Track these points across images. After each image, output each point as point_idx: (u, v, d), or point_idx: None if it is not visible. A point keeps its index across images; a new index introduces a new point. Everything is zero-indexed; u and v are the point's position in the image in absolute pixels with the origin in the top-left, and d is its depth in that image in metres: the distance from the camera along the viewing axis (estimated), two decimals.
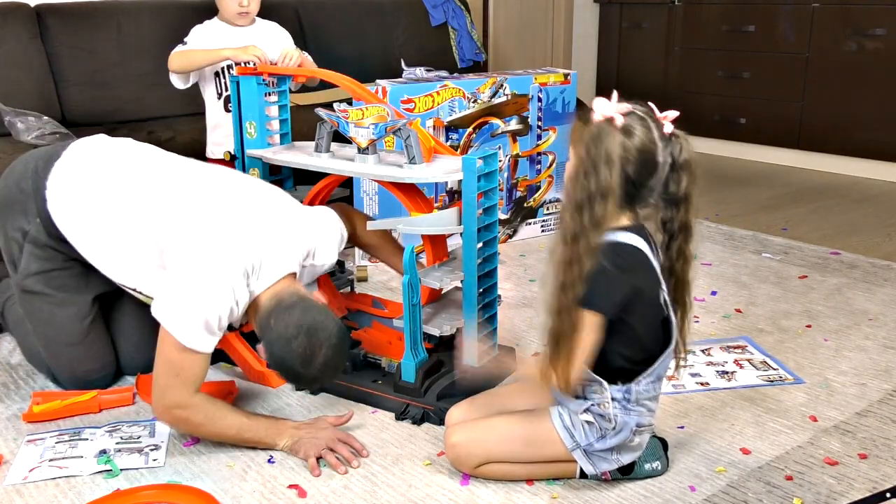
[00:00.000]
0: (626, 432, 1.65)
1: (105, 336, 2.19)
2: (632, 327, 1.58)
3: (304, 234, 1.97)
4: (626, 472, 1.72)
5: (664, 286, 1.62)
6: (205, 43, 2.65)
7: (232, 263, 1.79)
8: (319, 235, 2.02)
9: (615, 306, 1.54)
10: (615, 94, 1.53)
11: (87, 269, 2.08)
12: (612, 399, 1.63)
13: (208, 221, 1.86)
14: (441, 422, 1.95)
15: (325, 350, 1.74)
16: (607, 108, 1.51)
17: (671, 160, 1.55)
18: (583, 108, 1.61)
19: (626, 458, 1.71)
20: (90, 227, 1.97)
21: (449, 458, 1.79)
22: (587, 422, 1.66)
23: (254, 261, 1.82)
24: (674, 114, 1.55)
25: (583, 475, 1.73)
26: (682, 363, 1.71)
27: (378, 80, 3.09)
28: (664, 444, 1.78)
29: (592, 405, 1.65)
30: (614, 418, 1.63)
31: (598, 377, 1.62)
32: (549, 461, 1.72)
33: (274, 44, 2.66)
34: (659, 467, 1.75)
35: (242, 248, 1.82)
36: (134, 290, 2.00)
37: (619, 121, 1.50)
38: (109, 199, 1.96)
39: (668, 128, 1.55)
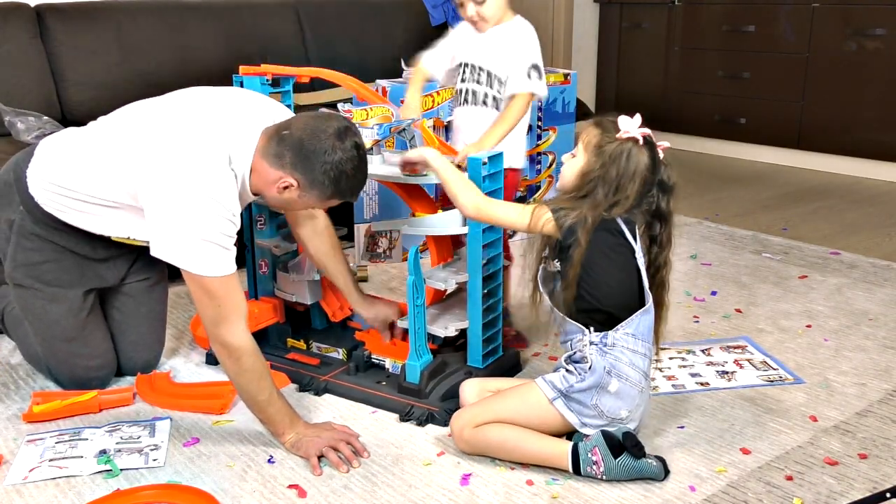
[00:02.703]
0: (599, 372, 1.75)
1: (103, 332, 2.18)
2: (601, 274, 1.78)
3: (254, 101, 1.97)
4: (616, 452, 1.73)
5: (639, 262, 1.82)
6: (447, 45, 2.44)
7: (201, 171, 1.76)
8: (270, 101, 2.01)
9: (563, 226, 1.75)
10: (638, 116, 1.76)
11: (79, 262, 2.07)
12: (591, 343, 1.78)
13: (161, 146, 1.82)
14: (445, 423, 1.95)
15: (346, 127, 1.79)
16: (633, 128, 1.75)
17: (664, 181, 1.81)
18: (600, 115, 1.83)
19: (607, 406, 1.76)
20: (68, 192, 1.94)
21: (453, 430, 1.85)
22: (567, 370, 1.81)
23: (221, 152, 1.79)
24: (666, 144, 1.82)
25: (576, 470, 1.74)
26: (655, 359, 1.89)
27: (378, 80, 3.10)
28: (662, 460, 1.78)
29: (575, 353, 1.80)
30: (589, 357, 1.77)
31: (580, 325, 1.79)
32: (541, 430, 1.80)
33: (504, 52, 2.29)
34: (654, 463, 1.75)
35: (203, 151, 1.78)
36: (128, 238, 1.99)
37: (641, 143, 1.74)
38: (81, 158, 1.94)
39: (661, 154, 1.80)
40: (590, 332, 1.78)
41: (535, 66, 2.25)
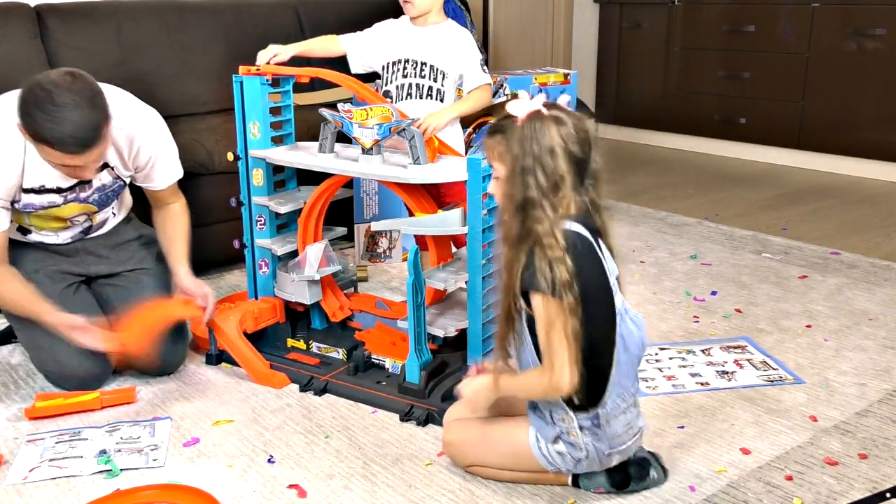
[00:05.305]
0: (599, 456, 1.63)
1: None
2: (584, 327, 1.50)
3: None
4: (622, 486, 1.69)
5: (611, 279, 1.58)
6: (378, 35, 2.56)
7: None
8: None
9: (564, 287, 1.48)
10: (523, 92, 1.55)
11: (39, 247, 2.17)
12: (581, 427, 1.60)
13: None
14: None
15: (72, 73, 1.84)
16: (529, 106, 1.51)
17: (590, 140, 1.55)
18: (496, 124, 1.57)
19: (612, 461, 1.68)
20: None
21: (445, 454, 1.82)
22: (559, 452, 1.64)
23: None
24: (566, 97, 1.60)
25: (575, 484, 1.72)
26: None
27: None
28: (656, 457, 1.75)
29: (562, 433, 1.62)
30: (585, 447, 1.61)
31: (560, 402, 1.58)
32: (539, 471, 1.71)
33: (446, 48, 2.44)
34: (656, 476, 1.72)
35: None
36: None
37: (546, 112, 1.51)
38: None
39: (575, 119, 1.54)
40: (575, 415, 1.58)
41: (484, 61, 2.45)
